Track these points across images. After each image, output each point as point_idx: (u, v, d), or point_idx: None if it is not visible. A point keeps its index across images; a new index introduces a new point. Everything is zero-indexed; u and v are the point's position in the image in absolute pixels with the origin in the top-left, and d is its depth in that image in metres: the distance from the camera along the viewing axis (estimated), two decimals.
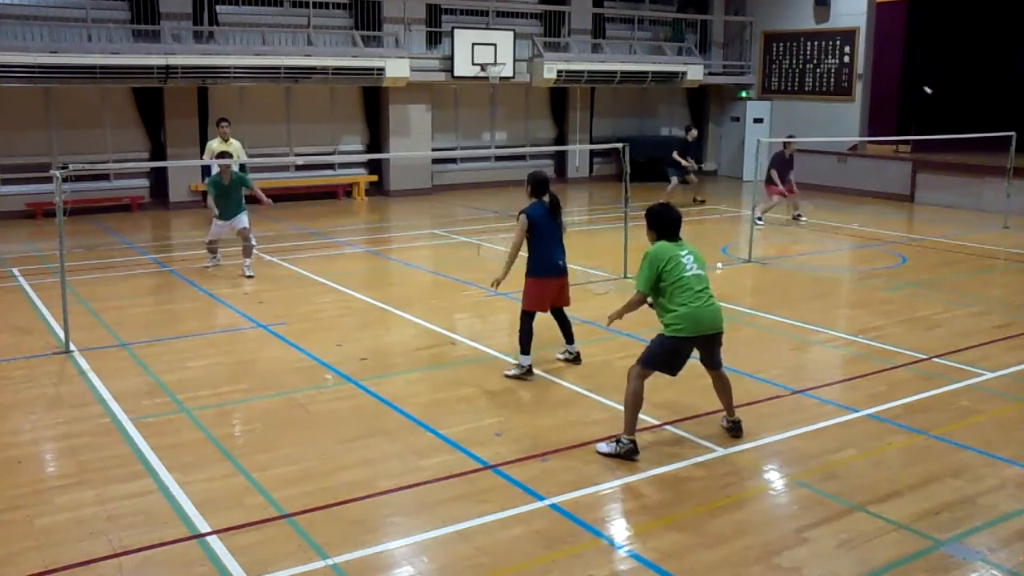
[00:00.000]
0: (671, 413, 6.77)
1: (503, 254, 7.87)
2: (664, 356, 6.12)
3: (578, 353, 8.08)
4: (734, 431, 6.42)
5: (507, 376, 7.69)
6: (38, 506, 5.39)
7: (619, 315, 6.41)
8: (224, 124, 13.32)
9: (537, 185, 7.71)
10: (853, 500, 5.46)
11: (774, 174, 15.75)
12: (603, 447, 6.14)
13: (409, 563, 4.81)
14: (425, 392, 7.48)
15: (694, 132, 18.80)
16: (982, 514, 5.32)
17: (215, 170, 13.48)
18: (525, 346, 7.65)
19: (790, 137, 16.78)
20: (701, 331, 6.04)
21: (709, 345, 6.21)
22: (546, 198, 7.69)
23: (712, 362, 6.32)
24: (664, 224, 6.19)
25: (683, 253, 6.10)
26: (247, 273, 11.57)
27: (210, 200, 11.68)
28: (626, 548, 4.95)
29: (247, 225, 11.62)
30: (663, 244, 6.14)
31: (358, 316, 9.89)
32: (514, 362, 7.83)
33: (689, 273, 6.02)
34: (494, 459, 6.02)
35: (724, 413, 6.51)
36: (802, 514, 5.33)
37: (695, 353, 6.27)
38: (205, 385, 7.53)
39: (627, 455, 6.01)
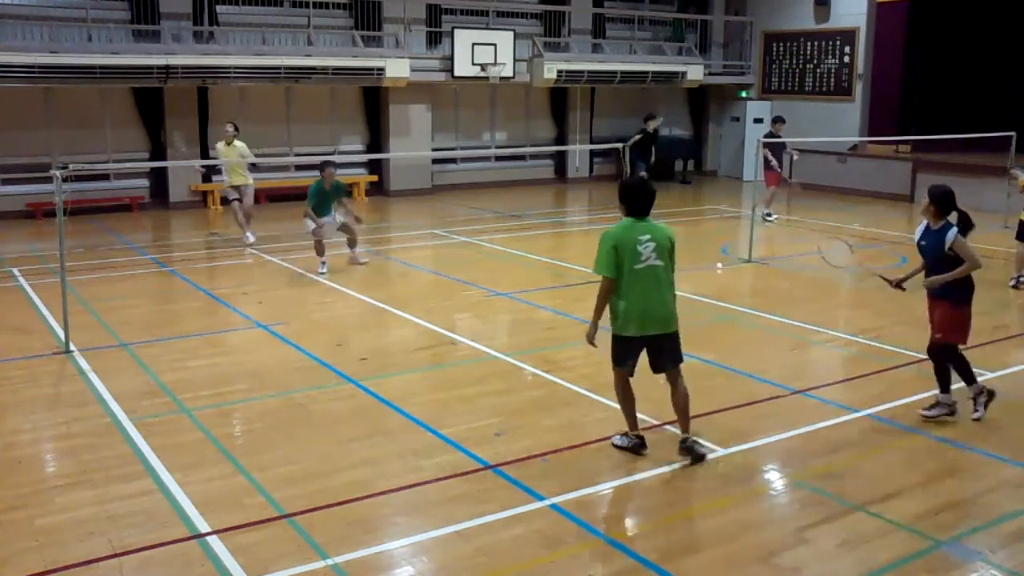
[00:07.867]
0: (671, 413, 6.74)
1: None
2: (618, 354, 5.92)
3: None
4: (690, 453, 5.93)
5: (925, 415, 6.66)
6: (38, 506, 5.39)
7: (595, 324, 5.89)
8: (227, 128, 13.76)
9: (943, 200, 6.79)
10: (853, 500, 5.46)
11: (770, 156, 15.76)
12: (618, 440, 6.16)
13: (409, 563, 4.81)
14: (425, 392, 7.48)
15: (653, 122, 17.34)
16: (982, 514, 5.32)
17: (225, 170, 13.69)
18: (967, 378, 6.76)
19: (779, 118, 17.03)
20: (647, 331, 5.80)
21: (656, 348, 5.89)
22: (952, 216, 6.78)
23: (660, 367, 5.97)
24: (634, 197, 5.78)
25: (644, 239, 5.71)
26: (361, 261, 12.32)
27: (308, 209, 11.78)
28: (626, 548, 4.95)
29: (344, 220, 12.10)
30: (624, 225, 5.76)
31: (358, 316, 9.88)
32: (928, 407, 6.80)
33: (642, 265, 5.69)
34: (494, 459, 6.02)
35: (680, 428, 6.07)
36: (802, 514, 5.33)
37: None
38: (205, 385, 7.53)
39: (633, 449, 6.03)
